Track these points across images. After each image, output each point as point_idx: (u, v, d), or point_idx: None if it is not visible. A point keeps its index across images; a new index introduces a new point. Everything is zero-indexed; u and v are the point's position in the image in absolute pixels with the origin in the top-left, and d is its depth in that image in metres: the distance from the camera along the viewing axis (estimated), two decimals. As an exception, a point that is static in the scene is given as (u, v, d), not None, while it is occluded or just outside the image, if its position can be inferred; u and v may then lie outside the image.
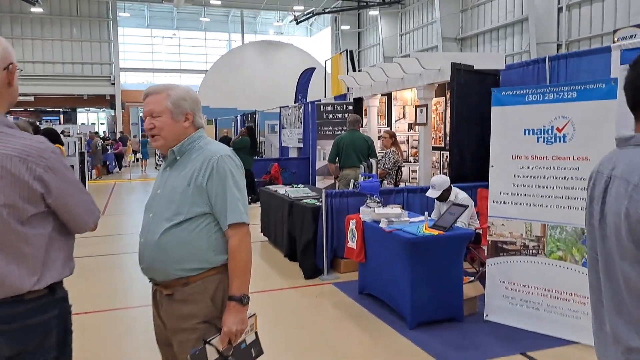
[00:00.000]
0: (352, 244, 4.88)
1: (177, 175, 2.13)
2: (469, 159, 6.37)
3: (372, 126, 8.44)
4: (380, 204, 4.78)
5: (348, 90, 14.09)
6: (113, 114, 34.31)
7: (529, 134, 4.11)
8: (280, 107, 16.45)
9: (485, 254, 5.42)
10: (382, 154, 7.29)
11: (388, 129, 8.19)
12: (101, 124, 37.72)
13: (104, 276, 5.98)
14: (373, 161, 5.91)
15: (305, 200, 6.12)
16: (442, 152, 8.05)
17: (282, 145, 16.45)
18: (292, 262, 6.29)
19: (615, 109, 3.67)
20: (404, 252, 4.19)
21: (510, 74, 7.00)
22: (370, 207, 4.77)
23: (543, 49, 17.94)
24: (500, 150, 4.28)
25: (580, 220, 3.83)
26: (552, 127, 3.98)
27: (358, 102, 8.85)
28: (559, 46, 18.02)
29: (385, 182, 6.80)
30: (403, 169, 7.41)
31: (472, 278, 4.57)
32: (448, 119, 7.81)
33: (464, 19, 24.04)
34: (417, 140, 8.64)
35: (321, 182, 9.43)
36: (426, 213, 4.63)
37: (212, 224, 2.11)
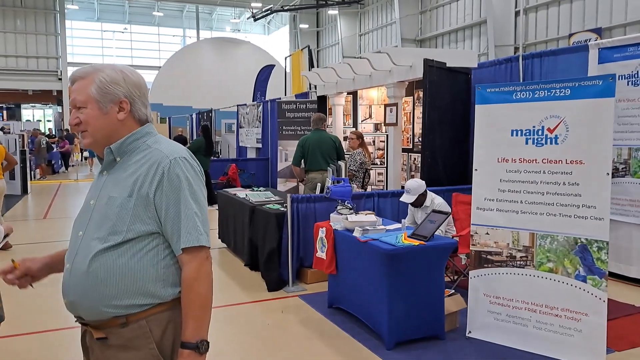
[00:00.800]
0: (321, 254, 4.43)
1: (116, 182, 1.63)
2: (441, 162, 6.05)
3: (338, 126, 8.03)
4: (352, 211, 4.35)
5: (310, 88, 13.66)
6: (60, 111, 32.77)
7: (517, 135, 3.77)
8: (237, 106, 15.85)
9: (462, 262, 5.10)
10: (348, 155, 6.89)
11: (354, 129, 7.80)
12: (48, 120, 36.09)
13: (41, 290, 5.31)
14: (342, 163, 5.49)
15: (268, 206, 5.64)
16: (410, 154, 7.73)
17: (240, 145, 15.85)
18: (254, 272, 5.80)
19: (613, 109, 3.37)
20: (381, 264, 3.77)
21: (482, 72, 6.74)
22: (342, 214, 4.33)
23: (501, 51, 18.03)
24: (485, 153, 3.93)
25: (573, 229, 3.52)
26: (543, 127, 3.65)
27: (322, 100, 8.42)
28: (516, 49, 18.15)
29: (352, 185, 6.40)
30: (370, 171, 7.03)
31: (453, 290, 4.20)
32: (417, 119, 7.49)
33: (423, 20, 24.04)
34: (384, 141, 8.30)
35: (283, 185, 8.95)
36: (403, 221, 4.23)
37: (161, 246, 1.63)
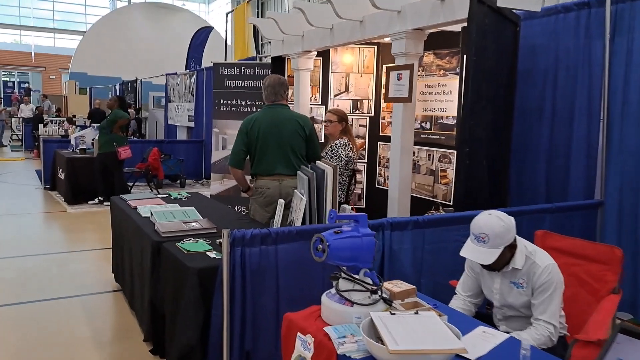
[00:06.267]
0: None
1: None
2: (486, 165, 3.61)
3: (302, 103, 5.42)
4: (378, 296, 1.83)
5: (259, 53, 10.96)
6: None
7: None
8: (166, 75, 12.89)
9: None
10: (326, 149, 4.35)
11: (336, 107, 5.20)
12: None
13: None
14: (327, 165, 2.96)
15: (186, 244, 3.01)
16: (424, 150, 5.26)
17: (169, 123, 12.93)
18: (157, 357, 3.19)
19: None
20: None
21: (534, 24, 4.35)
22: (351, 302, 1.79)
23: None
24: None
25: None
26: None
27: (278, 63, 5.79)
28: None
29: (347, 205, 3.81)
30: (356, 173, 4.52)
31: None
32: (424, 95, 5.00)
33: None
34: (365, 126, 5.78)
35: (219, 184, 6.28)
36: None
37: None
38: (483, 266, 2.31)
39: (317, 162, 3.25)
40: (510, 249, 2.23)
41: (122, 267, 4.09)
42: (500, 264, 2.24)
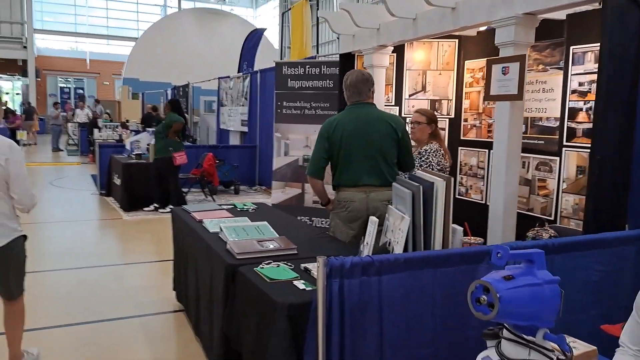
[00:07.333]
0: None
1: None
2: (620, 177, 3.00)
3: (378, 104, 4.90)
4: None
5: (318, 52, 10.51)
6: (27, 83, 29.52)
7: None
8: (219, 79, 12.64)
9: None
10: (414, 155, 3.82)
11: (424, 108, 4.64)
12: (17, 93, 32.64)
13: None
14: (435, 176, 2.44)
15: (268, 269, 2.54)
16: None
17: (221, 127, 12.67)
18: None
19: None
20: None
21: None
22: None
23: None
24: None
25: None
26: None
27: (347, 60, 5.31)
28: None
29: None
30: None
31: None
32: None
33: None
34: (445, 129, 5.20)
35: (281, 192, 5.84)
36: None
37: None
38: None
39: (418, 171, 2.72)
40: None
41: (186, 286, 3.68)
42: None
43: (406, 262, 2.22)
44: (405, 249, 2.53)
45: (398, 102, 5.36)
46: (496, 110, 3.45)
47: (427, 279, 2.29)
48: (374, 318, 2.18)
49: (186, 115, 13.03)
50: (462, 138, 5.13)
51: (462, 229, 2.61)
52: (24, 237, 2.92)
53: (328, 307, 2.07)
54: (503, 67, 3.32)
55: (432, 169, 3.55)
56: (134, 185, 7.96)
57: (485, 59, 4.86)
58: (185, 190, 8.46)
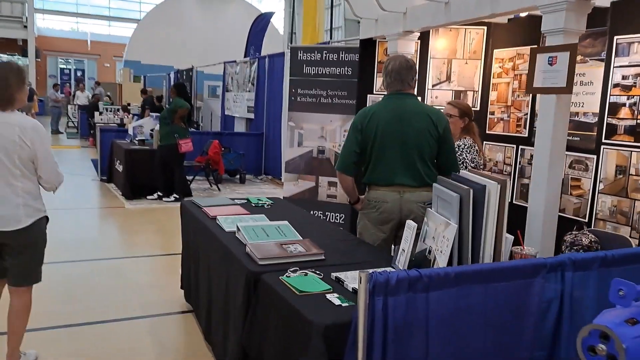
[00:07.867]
0: None
1: None
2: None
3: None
4: None
5: (331, 39, 10.17)
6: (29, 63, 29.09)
7: None
8: (225, 63, 12.29)
9: None
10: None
11: (456, 99, 4.32)
12: (15, 74, 32.19)
13: None
14: (487, 179, 2.17)
15: (295, 278, 2.26)
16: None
17: (225, 113, 12.35)
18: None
19: None
20: None
21: None
22: None
23: None
24: None
25: None
26: None
27: (368, 46, 5.00)
28: None
29: None
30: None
31: None
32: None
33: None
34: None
35: (293, 185, 5.54)
36: None
37: None
38: None
39: (463, 172, 2.43)
40: None
41: (196, 286, 3.41)
42: None
43: (457, 277, 1.94)
44: (450, 260, 2.25)
45: (420, 92, 5.06)
46: (540, 104, 3.15)
47: (477, 295, 2.02)
48: (420, 339, 1.91)
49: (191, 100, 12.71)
50: (487, 132, 4.84)
51: (512, 237, 2.34)
52: (47, 218, 2.85)
53: (370, 328, 1.81)
54: (550, 57, 3.02)
55: (466, 167, 3.27)
56: (137, 173, 7.66)
57: (515, 48, 4.56)
58: (189, 178, 8.17)
